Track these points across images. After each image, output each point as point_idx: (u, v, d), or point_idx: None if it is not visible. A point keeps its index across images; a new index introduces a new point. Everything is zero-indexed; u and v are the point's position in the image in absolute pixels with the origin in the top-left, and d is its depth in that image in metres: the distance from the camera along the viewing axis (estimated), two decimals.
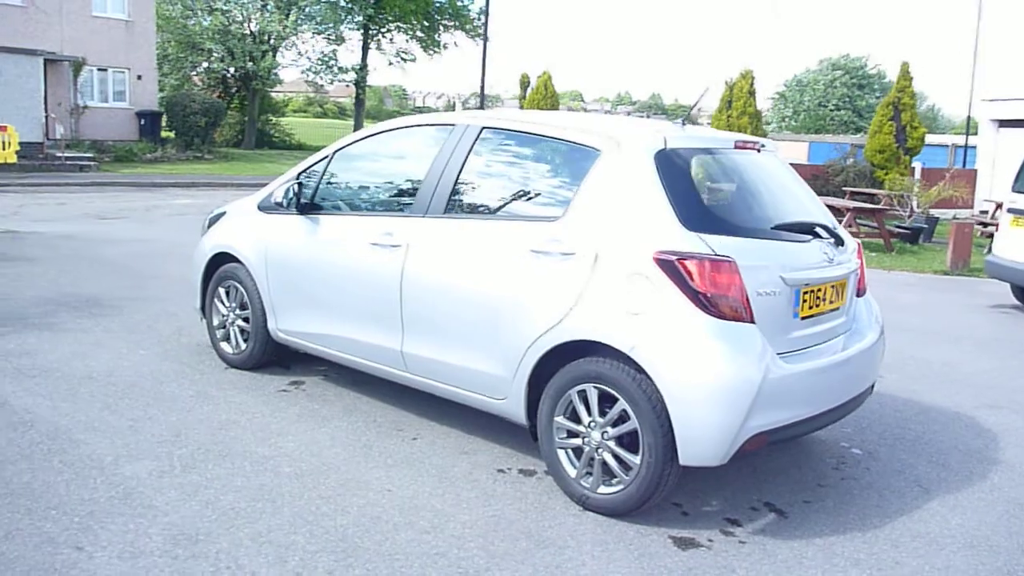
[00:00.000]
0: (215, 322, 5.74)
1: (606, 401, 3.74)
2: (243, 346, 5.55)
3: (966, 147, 23.18)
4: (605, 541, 3.56)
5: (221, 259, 5.65)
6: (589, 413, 3.79)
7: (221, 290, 5.65)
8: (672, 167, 3.81)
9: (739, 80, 18.90)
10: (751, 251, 3.67)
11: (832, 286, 4.06)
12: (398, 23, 38.46)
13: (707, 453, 3.51)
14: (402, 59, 40.01)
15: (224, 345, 5.69)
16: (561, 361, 3.87)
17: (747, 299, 3.56)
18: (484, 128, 4.41)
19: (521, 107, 17.46)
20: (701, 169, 4.04)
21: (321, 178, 5.08)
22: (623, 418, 3.67)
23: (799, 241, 3.96)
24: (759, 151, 4.33)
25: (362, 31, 37.43)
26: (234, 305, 5.58)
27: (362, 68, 37.61)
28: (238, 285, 5.50)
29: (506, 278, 4.02)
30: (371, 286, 4.62)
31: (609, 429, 3.72)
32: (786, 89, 57.23)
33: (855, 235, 12.67)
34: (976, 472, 4.57)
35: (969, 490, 4.32)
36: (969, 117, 24.11)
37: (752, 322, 3.57)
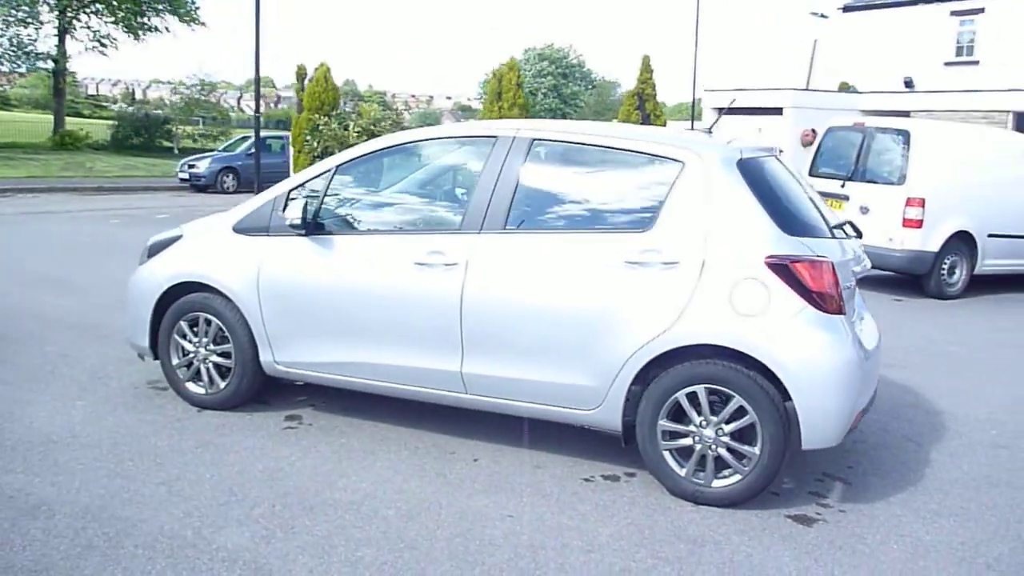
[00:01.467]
0: (175, 361, 5.09)
1: (716, 399, 3.97)
2: (221, 384, 4.99)
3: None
4: (745, 530, 3.80)
5: (179, 290, 5.02)
6: (699, 413, 3.99)
7: (184, 324, 5.02)
8: (753, 175, 4.10)
9: (507, 72, 19.61)
10: (832, 250, 4.08)
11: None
12: (97, 4, 34.72)
13: (829, 435, 3.88)
14: (100, 43, 36.21)
15: (192, 386, 5.08)
16: (663, 367, 4.02)
17: (840, 294, 3.96)
18: (534, 140, 4.39)
19: (299, 99, 16.80)
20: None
21: (325, 196, 4.72)
22: (739, 414, 3.92)
23: (847, 238, 4.44)
24: (777, 157, 4.75)
25: (58, 13, 33.33)
26: (205, 340, 4.99)
27: (60, 54, 33.54)
28: (211, 318, 4.94)
29: (597, 290, 4.08)
30: (419, 308, 4.41)
31: (724, 426, 3.95)
32: (494, 77, 59.82)
33: None
34: None
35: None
36: (694, 103, 27.10)
37: (844, 314, 3.98)
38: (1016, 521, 4.01)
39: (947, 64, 24.10)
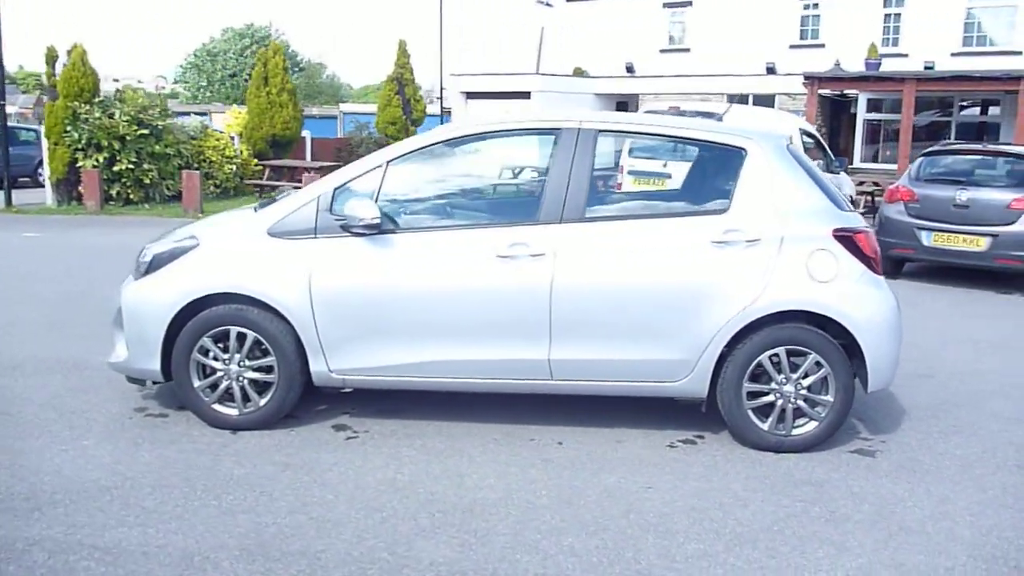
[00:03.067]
0: (196, 382, 4.60)
1: (794, 358, 4.49)
2: (260, 402, 4.61)
3: (442, 116, 26.58)
4: (839, 466, 4.39)
5: (196, 304, 4.54)
6: (780, 372, 4.49)
7: (207, 341, 4.55)
8: (800, 159, 4.65)
9: (271, 56, 18.74)
10: (862, 221, 4.76)
11: None
12: None
13: (888, 378, 4.57)
14: None
15: (220, 407, 4.62)
16: (747, 334, 4.46)
17: (879, 258, 4.66)
18: (599, 132, 4.58)
19: (52, 85, 14.73)
20: None
21: (378, 193, 4.53)
22: (814, 368, 4.47)
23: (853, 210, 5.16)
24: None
25: None
26: (238, 356, 4.57)
27: None
28: (245, 331, 4.53)
29: (688, 270, 4.41)
30: (504, 299, 4.44)
31: (802, 380, 4.49)
32: (196, 59, 56.13)
33: None
34: None
35: None
36: (442, 89, 27.56)
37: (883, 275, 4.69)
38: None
39: (662, 51, 26.91)
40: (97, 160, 14.80)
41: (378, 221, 4.35)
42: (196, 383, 4.60)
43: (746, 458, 4.48)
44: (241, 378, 4.59)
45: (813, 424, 4.54)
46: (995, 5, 21.55)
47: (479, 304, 4.47)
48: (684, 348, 4.46)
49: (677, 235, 4.46)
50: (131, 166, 15.05)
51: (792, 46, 24.69)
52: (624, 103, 27.67)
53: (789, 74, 23.81)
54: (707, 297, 4.41)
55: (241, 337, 4.55)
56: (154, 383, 4.85)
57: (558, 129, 4.61)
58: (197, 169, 16.03)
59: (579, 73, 26.64)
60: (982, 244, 9.25)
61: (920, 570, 3.41)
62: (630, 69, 27.25)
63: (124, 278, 4.94)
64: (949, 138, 19.87)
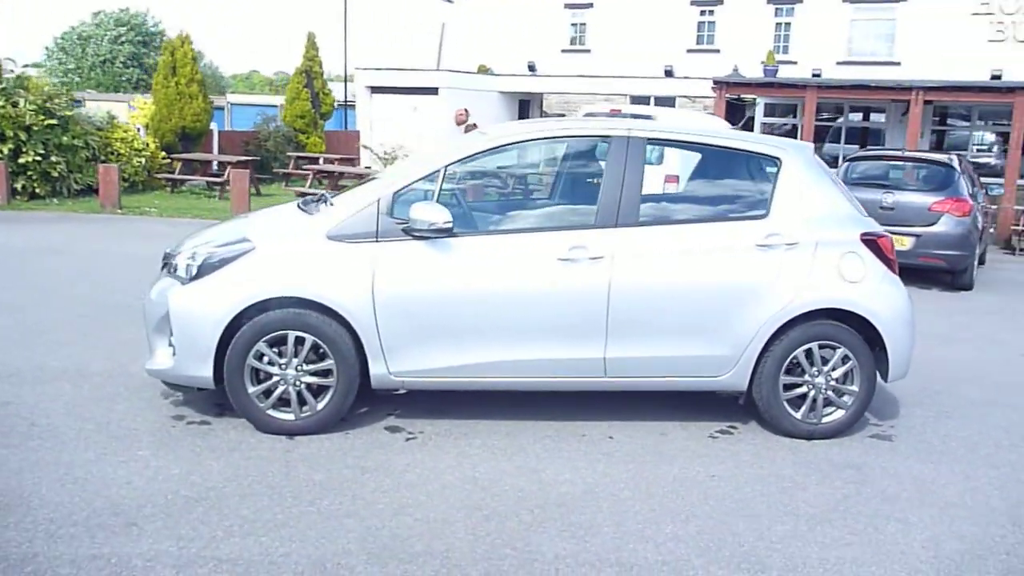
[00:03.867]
0: (251, 388, 4.54)
1: (824, 352, 4.86)
2: (318, 406, 4.59)
3: (345, 108, 26.16)
4: (867, 450, 4.79)
5: (252, 310, 4.49)
6: (812, 364, 4.85)
7: (263, 346, 4.50)
8: (824, 168, 5.03)
9: (179, 46, 18.00)
10: (880, 226, 5.18)
11: None
12: None
13: (905, 369, 5.01)
14: None
15: (276, 413, 4.58)
16: (785, 331, 4.80)
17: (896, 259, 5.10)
18: (648, 140, 4.80)
19: None
20: None
21: (437, 196, 4.59)
22: (842, 361, 4.86)
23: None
24: None
25: None
26: (296, 361, 4.54)
27: None
28: (304, 335, 4.51)
29: (734, 271, 4.71)
30: (565, 301, 4.61)
31: (831, 373, 4.87)
32: (65, 42, 52.90)
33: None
34: None
35: None
36: (346, 82, 27.07)
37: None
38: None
39: (564, 51, 27.45)
40: (1, 152, 13.84)
41: (451, 225, 4.42)
42: (251, 389, 4.54)
43: (782, 446, 4.82)
44: (298, 383, 4.56)
45: (840, 412, 4.92)
46: (876, 18, 23.16)
47: (540, 306, 4.61)
48: (730, 344, 4.75)
49: (724, 238, 4.75)
50: (38, 158, 14.15)
51: (690, 50, 25.70)
52: (527, 102, 28.06)
53: (687, 77, 24.82)
54: (752, 296, 4.72)
55: (299, 341, 4.52)
56: (199, 389, 4.74)
57: (609, 137, 4.81)
58: (105, 162, 15.24)
59: (484, 71, 26.81)
60: (907, 244, 10.05)
61: (978, 539, 3.82)
62: (532, 68, 27.62)
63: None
64: (839, 141, 21.26)
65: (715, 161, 5.04)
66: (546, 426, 4.93)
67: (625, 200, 4.69)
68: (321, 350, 4.54)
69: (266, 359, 4.53)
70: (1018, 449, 4.96)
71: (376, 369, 4.60)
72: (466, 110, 24.63)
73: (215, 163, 18.12)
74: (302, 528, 3.61)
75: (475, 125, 25.45)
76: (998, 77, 19.76)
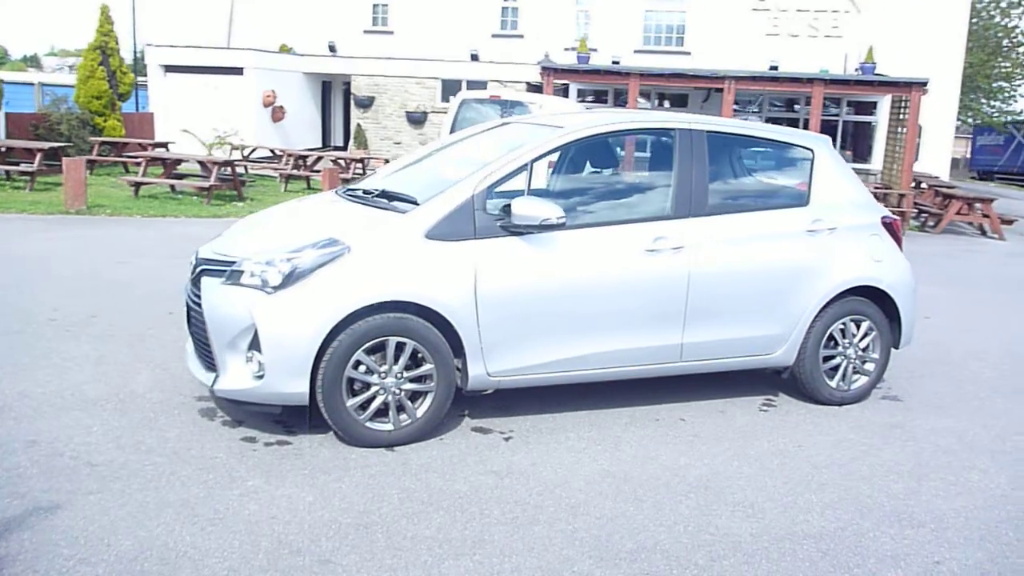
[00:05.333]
0: (349, 402, 4.24)
1: (852, 325, 5.36)
2: (418, 413, 4.37)
3: (137, 90, 23.72)
4: (891, 411, 5.35)
5: (349, 317, 4.18)
6: (844, 337, 5.34)
7: (362, 355, 4.22)
8: (843, 158, 5.50)
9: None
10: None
11: None
12: None
13: (911, 337, 5.62)
14: None
15: (374, 425, 4.31)
16: (824, 309, 5.23)
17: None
18: (708, 132, 5.00)
19: None
20: None
21: (527, 191, 4.51)
22: (867, 334, 5.39)
23: None
24: None
25: None
26: (396, 368, 4.29)
27: None
28: (404, 341, 4.27)
29: (789, 255, 5.07)
30: (650, 290, 4.73)
31: (859, 343, 5.38)
32: None
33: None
34: None
35: None
36: (136, 60, 24.54)
37: None
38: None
39: (367, 32, 26.85)
40: None
41: (564, 220, 4.37)
42: (349, 401, 4.24)
43: (823, 413, 5.27)
44: (398, 391, 4.32)
45: (864, 379, 5.46)
46: (669, 10, 24.85)
47: (630, 296, 4.70)
48: (784, 323, 5.11)
49: (778, 225, 5.09)
50: None
51: (494, 35, 26.12)
52: (328, 83, 27.23)
53: (492, 62, 25.28)
54: (804, 278, 5.10)
55: (399, 347, 4.28)
56: (285, 408, 4.33)
57: (674, 129, 4.96)
58: None
59: (286, 50, 25.58)
60: None
61: None
62: (332, 49, 26.78)
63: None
64: None
65: (762, 153, 5.37)
66: (620, 413, 5.03)
67: (695, 190, 4.88)
68: (420, 355, 4.33)
69: (363, 368, 4.24)
70: (1011, 399, 5.76)
71: (475, 370, 4.45)
72: (273, 91, 23.60)
73: (3, 149, 15.92)
74: (503, 540, 3.47)
75: (282, 107, 24.39)
76: (775, 68, 22.05)
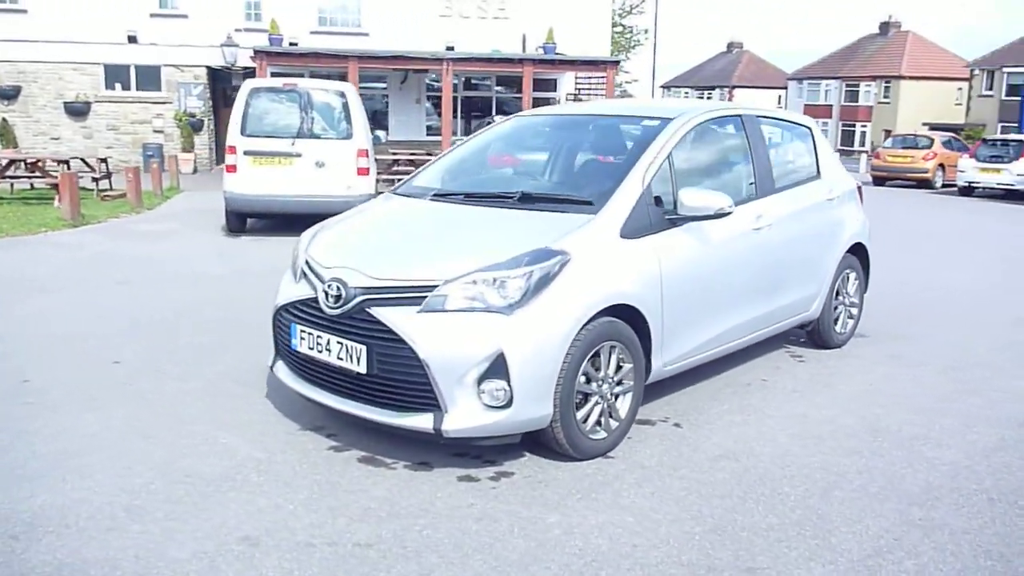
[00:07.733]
0: (579, 415, 4.06)
1: (852, 277, 6.25)
2: (622, 414, 4.29)
3: None
4: (874, 344, 6.35)
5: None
6: (844, 287, 6.22)
7: (587, 365, 4.05)
8: None
9: None
10: None
11: None
12: None
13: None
14: None
15: (593, 435, 4.15)
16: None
17: None
18: (757, 117, 5.46)
19: None
20: None
21: (673, 182, 4.62)
22: (855, 282, 6.33)
23: None
24: None
25: None
26: (610, 373, 4.18)
27: None
28: (615, 345, 4.18)
29: (823, 222, 5.81)
30: (761, 264, 5.17)
31: (851, 292, 6.30)
32: None
33: None
34: None
35: None
36: None
37: None
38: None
39: (153, 16, 22.96)
40: None
41: (732, 208, 4.54)
42: (579, 415, 4.04)
43: (840, 356, 6.10)
44: (611, 396, 4.21)
45: (851, 322, 6.41)
46: None
47: (746, 271, 5.06)
48: (818, 282, 5.83)
49: (812, 196, 5.76)
50: None
51: (153, 15, 23.62)
52: None
53: (161, 44, 23.00)
54: (832, 240, 5.88)
55: (611, 351, 4.17)
56: (510, 436, 3.95)
57: (740, 115, 5.35)
58: None
59: None
60: None
61: None
62: (132, 39, 22.45)
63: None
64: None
65: (784, 133, 5.95)
66: (689, 394, 5.22)
67: (762, 171, 5.34)
68: (621, 357, 4.25)
69: (583, 379, 4.06)
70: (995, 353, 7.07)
71: (656, 363, 4.49)
72: None
73: None
74: (662, 558, 3.55)
75: None
76: (451, 48, 22.91)
